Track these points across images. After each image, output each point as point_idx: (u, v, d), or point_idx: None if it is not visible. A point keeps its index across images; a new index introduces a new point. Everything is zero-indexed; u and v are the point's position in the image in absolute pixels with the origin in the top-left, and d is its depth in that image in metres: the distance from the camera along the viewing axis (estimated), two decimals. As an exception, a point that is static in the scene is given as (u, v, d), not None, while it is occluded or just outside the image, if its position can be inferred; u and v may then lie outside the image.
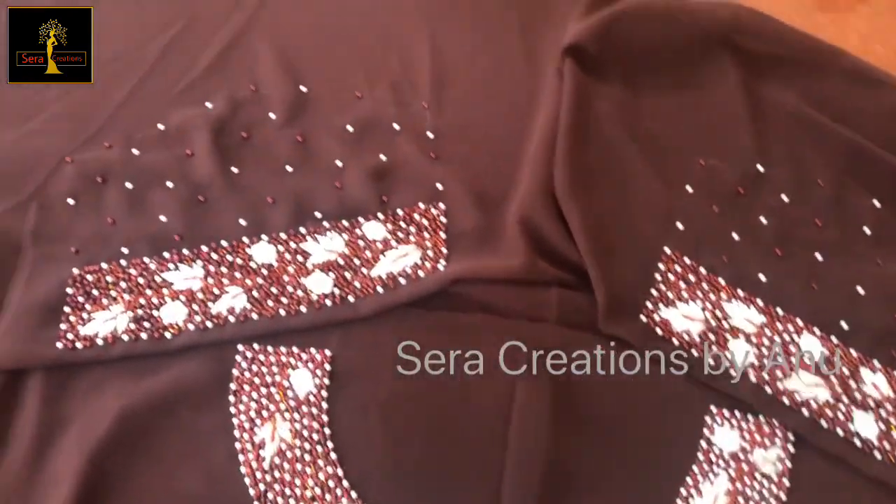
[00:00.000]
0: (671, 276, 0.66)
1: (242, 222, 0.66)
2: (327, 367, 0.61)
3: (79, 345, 0.60)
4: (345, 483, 0.57)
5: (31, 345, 0.60)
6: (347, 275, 0.64)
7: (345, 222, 0.66)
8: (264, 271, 0.64)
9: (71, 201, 0.66)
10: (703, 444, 0.60)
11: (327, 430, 0.59)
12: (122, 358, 0.60)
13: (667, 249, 0.67)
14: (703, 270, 0.66)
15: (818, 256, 0.66)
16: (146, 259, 0.64)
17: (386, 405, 0.59)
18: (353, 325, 0.62)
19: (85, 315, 0.62)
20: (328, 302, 0.62)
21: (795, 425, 0.60)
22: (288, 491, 0.58)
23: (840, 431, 0.59)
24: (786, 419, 0.60)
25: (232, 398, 0.60)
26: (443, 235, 0.66)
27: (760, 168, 0.71)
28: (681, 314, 0.64)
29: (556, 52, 0.75)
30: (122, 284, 0.63)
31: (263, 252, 0.65)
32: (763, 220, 0.69)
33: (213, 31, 0.76)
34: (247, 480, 0.58)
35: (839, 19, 0.83)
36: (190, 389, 0.60)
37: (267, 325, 0.62)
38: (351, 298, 0.63)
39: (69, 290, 0.62)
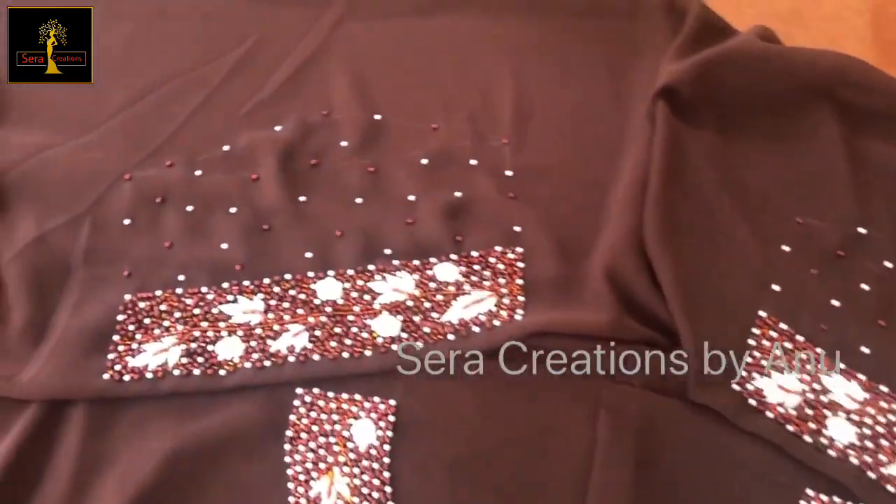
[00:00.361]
0: (766, 343, 0.60)
1: (308, 255, 0.63)
2: (391, 418, 0.56)
3: (126, 377, 0.57)
4: None
5: (75, 374, 0.57)
6: (416, 318, 0.59)
7: (416, 262, 0.62)
8: (328, 309, 0.60)
9: (127, 221, 0.64)
10: (798, 530, 0.53)
11: (388, 489, 0.54)
12: (171, 394, 0.57)
13: (762, 313, 0.61)
14: (800, 338, 0.61)
15: (927, 331, 0.59)
16: (203, 288, 0.61)
17: (454, 464, 0.54)
18: (421, 374, 0.58)
19: (135, 345, 0.58)
20: (395, 347, 0.58)
21: None
22: (343, 552, 0.53)
23: None
24: None
25: (287, 447, 0.56)
26: (520, 282, 0.61)
27: (862, 230, 0.66)
28: (776, 385, 0.59)
29: (645, 92, 0.71)
30: (177, 314, 0.60)
31: (329, 288, 0.62)
32: (865, 286, 0.63)
33: (286, 50, 0.73)
34: (299, 539, 0.53)
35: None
36: (242, 434, 0.56)
37: (328, 368, 0.58)
38: (419, 344, 0.58)
39: (119, 317, 0.59)
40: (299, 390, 0.57)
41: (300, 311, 0.60)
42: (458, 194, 0.66)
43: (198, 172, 0.66)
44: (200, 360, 0.58)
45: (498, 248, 0.63)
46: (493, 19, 0.75)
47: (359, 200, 0.66)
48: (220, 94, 0.71)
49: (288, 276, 0.62)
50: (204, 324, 0.60)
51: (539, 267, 0.62)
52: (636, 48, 0.75)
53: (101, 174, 0.65)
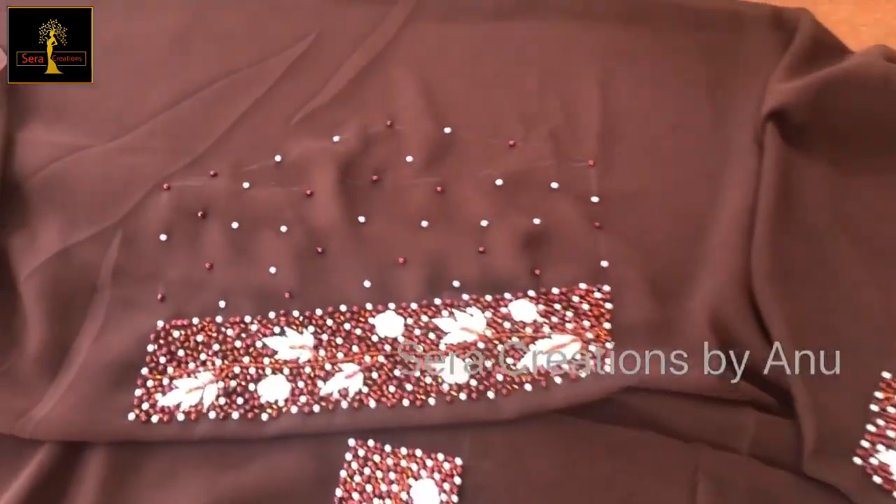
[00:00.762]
0: (891, 409, 0.54)
1: (366, 284, 0.58)
2: (457, 480, 0.52)
3: (154, 418, 0.53)
4: None
5: (96, 412, 0.53)
6: (489, 363, 0.55)
7: (488, 297, 0.58)
8: (388, 348, 0.56)
9: (163, 237, 0.60)
10: None
11: (452, 565, 0.49)
12: (205, 440, 0.53)
13: (886, 374, 0.55)
14: (933, 405, 0.53)
15: None
16: (247, 318, 0.57)
17: (528, 537, 0.49)
18: (492, 429, 0.53)
19: (166, 381, 0.55)
20: (462, 395, 0.54)
21: None
22: None
23: None
24: None
25: (337, 508, 0.50)
26: (607, 326, 0.56)
27: None
28: (903, 460, 0.51)
29: (750, 114, 0.65)
30: (216, 346, 0.56)
31: (389, 324, 0.57)
32: None
33: (347, 50, 0.69)
34: None
35: None
36: (285, 491, 0.51)
37: (386, 417, 0.53)
38: (491, 394, 0.54)
39: (150, 347, 0.56)
40: (352, 442, 0.53)
41: (355, 349, 0.55)
42: (536, 221, 0.61)
43: (245, 184, 0.62)
44: (240, 401, 0.54)
45: (582, 286, 0.58)
46: (581, 26, 0.70)
47: (424, 224, 0.61)
48: (272, 96, 0.66)
49: (343, 308, 0.57)
50: (246, 359, 0.55)
51: (629, 309, 0.57)
52: (739, 65, 0.69)
53: (137, 182, 0.62)
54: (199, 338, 0.56)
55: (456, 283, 0.59)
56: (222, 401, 0.54)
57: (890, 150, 0.64)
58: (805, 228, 0.60)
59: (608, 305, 0.57)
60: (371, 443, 0.53)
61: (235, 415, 0.54)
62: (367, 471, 0.53)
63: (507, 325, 0.57)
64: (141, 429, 0.53)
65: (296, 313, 0.57)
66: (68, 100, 0.65)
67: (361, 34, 0.70)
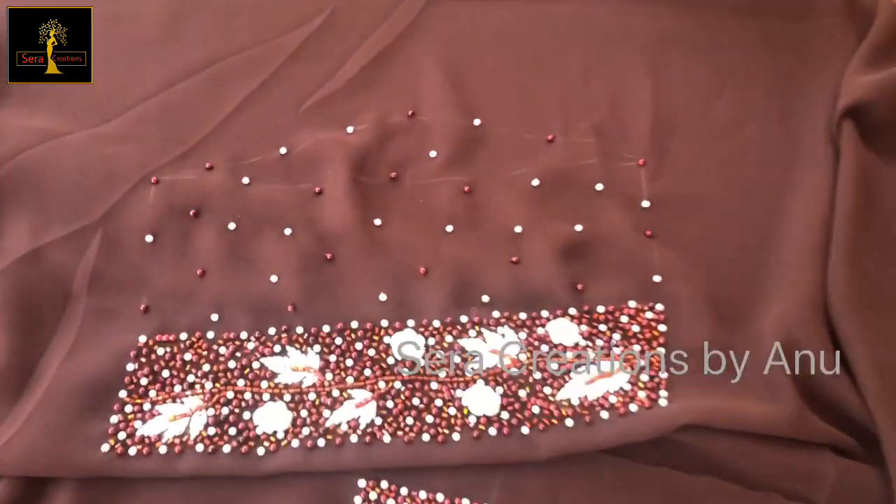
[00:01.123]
0: None
1: (382, 297, 0.56)
2: None
3: (132, 450, 0.50)
4: None
5: (64, 442, 0.50)
6: (522, 393, 0.52)
7: (522, 315, 0.55)
8: (406, 372, 0.53)
9: (149, 238, 0.58)
10: None
11: None
12: (191, 478, 0.50)
13: None
14: None
15: None
16: (243, 334, 0.55)
17: None
18: (526, 471, 0.50)
19: (147, 406, 0.52)
20: (492, 430, 0.51)
21: None
22: None
23: None
24: None
25: (344, 563, 0.48)
26: (661, 352, 0.53)
27: None
28: None
29: (821, 109, 0.62)
30: (206, 367, 0.53)
31: (407, 344, 0.54)
32: None
33: (365, 30, 0.66)
34: None
35: None
36: None
37: (402, 454, 0.50)
38: (525, 429, 0.50)
39: (130, 367, 0.53)
40: (362, 482, 0.50)
41: (368, 373, 0.53)
42: (578, 228, 0.58)
43: (245, 180, 0.60)
44: (233, 431, 0.51)
45: (632, 304, 0.55)
46: (630, 7, 0.67)
47: (449, 228, 0.59)
48: (278, 81, 0.64)
49: (354, 324, 0.55)
50: (240, 382, 0.53)
51: (687, 332, 0.54)
52: (807, 55, 0.65)
53: (121, 174, 0.59)
54: (188, 356, 0.54)
55: (485, 298, 0.56)
56: (212, 431, 0.51)
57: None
58: (890, 243, 0.56)
59: (662, 328, 0.54)
60: (384, 484, 0.50)
61: (227, 448, 0.51)
62: (379, 517, 0.49)
63: (544, 348, 0.54)
64: (116, 463, 0.50)
65: (300, 330, 0.55)
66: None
67: (381, 11, 0.67)
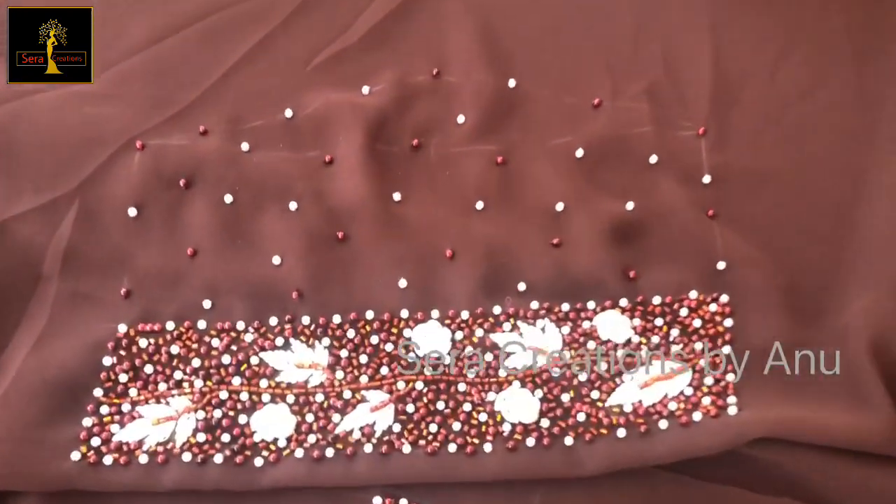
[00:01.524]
0: None
1: (402, 284, 0.53)
2: None
3: (108, 459, 0.48)
4: None
5: (28, 448, 0.48)
6: (566, 397, 0.50)
7: (564, 306, 0.53)
8: (429, 371, 0.51)
9: (132, 211, 0.55)
10: None
11: None
12: (176, 492, 0.48)
13: None
14: None
15: None
16: (240, 324, 0.53)
17: None
18: (570, 488, 0.48)
19: (126, 407, 0.50)
20: (530, 440, 0.49)
21: None
22: None
23: None
24: None
25: None
26: (727, 351, 0.51)
27: None
28: None
29: None
30: (196, 362, 0.51)
31: (431, 338, 0.52)
32: None
33: None
34: None
35: None
36: None
37: (425, 468, 0.48)
38: (569, 440, 0.48)
39: (107, 360, 0.51)
40: (378, 500, 0.48)
41: (385, 371, 0.51)
42: (629, 206, 0.56)
43: (244, 146, 0.57)
44: (226, 438, 0.49)
45: (692, 294, 0.53)
46: None
47: (479, 205, 0.56)
48: (285, 33, 0.60)
49: (369, 315, 0.53)
50: (236, 380, 0.51)
51: (756, 327, 0.52)
52: (891, 10, 0.61)
53: (102, 138, 0.56)
54: (175, 349, 0.52)
55: (521, 286, 0.54)
56: (202, 437, 0.49)
57: None
58: None
59: (727, 322, 0.52)
60: (404, 502, 0.49)
61: (219, 457, 0.48)
62: (397, 542, 0.47)
63: (590, 345, 0.52)
64: (88, 474, 0.48)
65: (306, 320, 0.53)
66: None
67: None
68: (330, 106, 0.59)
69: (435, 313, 0.53)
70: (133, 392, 0.50)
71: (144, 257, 0.54)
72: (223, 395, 0.50)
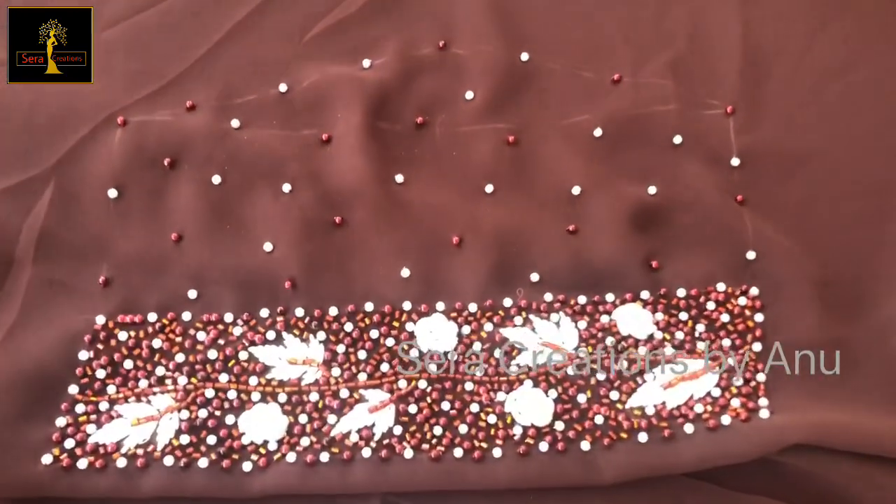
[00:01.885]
0: None
1: (404, 273, 0.51)
2: None
3: (82, 462, 0.46)
4: None
5: None
6: (582, 398, 0.48)
7: (581, 298, 0.51)
8: (433, 367, 0.49)
9: (112, 193, 0.53)
10: None
11: None
12: (156, 500, 0.46)
13: None
14: None
15: None
16: (228, 316, 0.51)
17: None
18: (587, 498, 0.46)
19: (104, 405, 0.48)
20: (543, 445, 0.47)
21: None
22: None
23: None
24: None
25: None
26: (758, 348, 0.49)
27: None
28: None
29: None
30: (180, 357, 0.49)
31: (435, 332, 0.50)
32: None
33: None
34: None
35: None
36: None
37: (428, 474, 0.46)
38: (585, 444, 0.47)
39: (83, 355, 0.49)
40: None
41: (385, 369, 0.49)
42: (651, 190, 0.54)
43: (234, 123, 0.55)
44: (212, 440, 0.47)
45: (720, 287, 0.51)
46: None
47: (489, 188, 0.54)
48: (278, 2, 0.58)
49: (369, 307, 0.51)
50: (223, 377, 0.49)
51: (789, 322, 0.50)
52: None
53: (80, 113, 0.55)
54: (157, 343, 0.50)
55: (534, 277, 0.52)
56: (186, 439, 0.47)
57: None
58: None
59: (758, 317, 0.50)
60: None
61: (204, 461, 0.46)
62: (398, 556, 0.45)
63: (609, 340, 0.50)
64: (60, 479, 0.46)
65: (300, 312, 0.51)
66: None
67: None
68: (327, 80, 0.56)
69: (440, 306, 0.51)
70: (111, 389, 0.48)
71: (125, 243, 0.52)
72: (209, 393, 0.48)
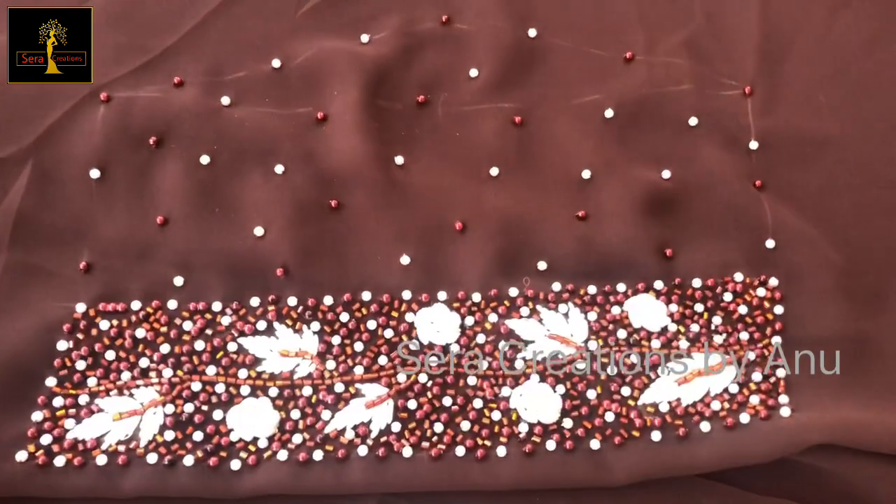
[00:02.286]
0: None
1: (404, 260, 0.50)
2: None
3: (60, 459, 0.44)
4: None
5: None
6: (592, 394, 0.46)
7: (591, 288, 0.49)
8: (434, 360, 0.47)
9: (95, 173, 0.51)
10: None
11: None
12: (140, 499, 0.44)
13: None
14: None
15: None
16: (216, 305, 0.49)
17: None
18: (595, 498, 0.45)
19: (83, 398, 0.46)
20: (551, 443, 0.45)
21: None
22: None
23: None
24: None
25: None
26: (777, 341, 0.47)
27: None
28: None
29: None
30: (164, 348, 0.48)
31: (436, 323, 0.48)
32: None
33: None
34: None
35: None
36: None
37: (428, 474, 0.45)
38: (595, 443, 0.45)
39: (62, 345, 0.47)
40: None
41: (384, 361, 0.47)
42: (665, 174, 0.52)
43: (224, 100, 0.53)
44: (199, 437, 0.46)
45: (737, 277, 0.50)
46: None
47: (494, 171, 0.52)
48: None
49: (366, 296, 0.49)
50: (211, 370, 0.47)
51: (811, 314, 0.49)
52: None
53: (60, 89, 0.53)
54: (141, 333, 0.48)
55: (542, 265, 0.50)
56: (170, 435, 0.45)
57: None
58: None
59: (778, 309, 0.48)
60: None
61: (190, 459, 0.45)
62: (396, 560, 0.43)
63: (621, 333, 0.48)
64: (35, 477, 0.44)
65: (292, 301, 0.49)
66: None
67: None
68: (323, 55, 0.55)
69: (442, 295, 0.49)
70: (92, 382, 0.46)
71: (107, 226, 0.50)
72: (196, 386, 0.46)
